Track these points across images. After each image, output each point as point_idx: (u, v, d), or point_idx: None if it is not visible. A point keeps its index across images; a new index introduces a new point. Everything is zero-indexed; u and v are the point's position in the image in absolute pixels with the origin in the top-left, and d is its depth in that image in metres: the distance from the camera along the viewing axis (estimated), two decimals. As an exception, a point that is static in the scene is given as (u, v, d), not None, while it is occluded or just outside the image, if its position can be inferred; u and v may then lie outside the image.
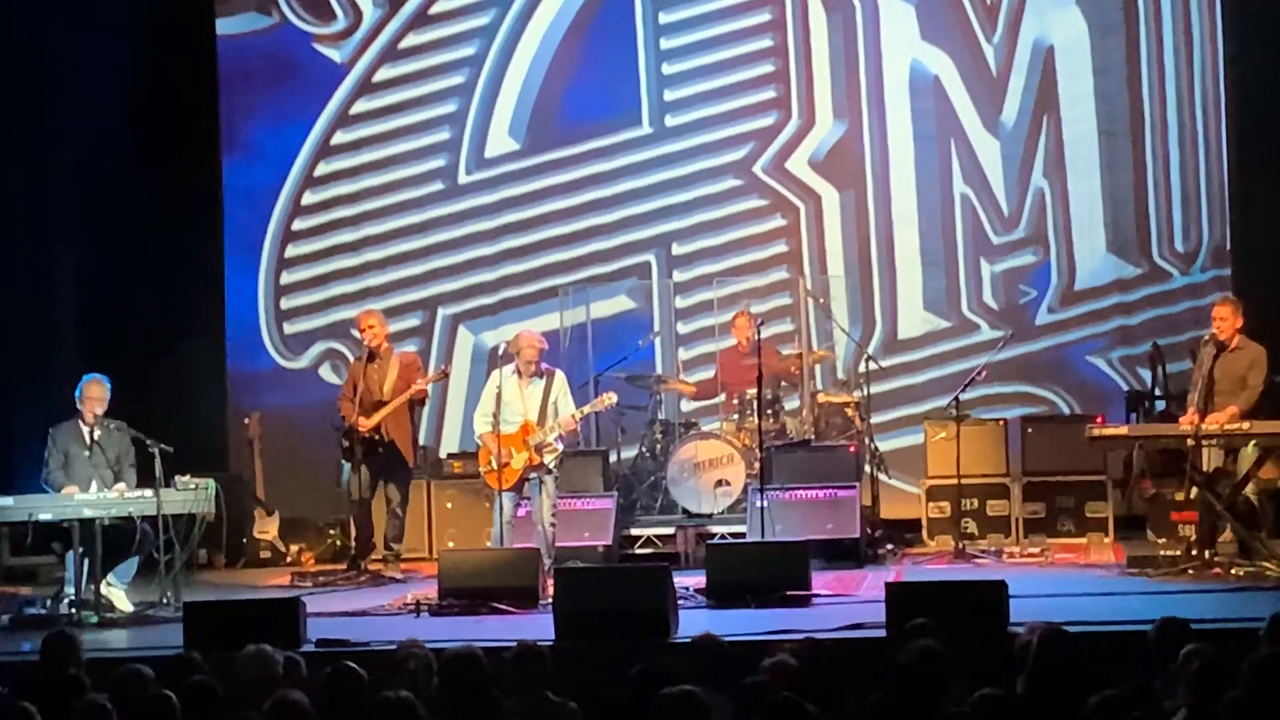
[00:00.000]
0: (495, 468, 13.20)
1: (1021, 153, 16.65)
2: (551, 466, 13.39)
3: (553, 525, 13.44)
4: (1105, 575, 13.16)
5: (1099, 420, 14.58)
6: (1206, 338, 13.33)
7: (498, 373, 13.48)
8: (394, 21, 17.45)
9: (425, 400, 15.15)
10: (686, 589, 12.03)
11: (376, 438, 14.58)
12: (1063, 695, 7.30)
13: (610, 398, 13.89)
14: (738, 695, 7.23)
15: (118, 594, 12.72)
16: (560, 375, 13.55)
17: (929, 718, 7.11)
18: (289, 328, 17.49)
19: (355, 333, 15.43)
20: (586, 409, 13.58)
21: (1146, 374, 16.10)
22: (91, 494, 12.66)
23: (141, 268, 16.75)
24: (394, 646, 8.51)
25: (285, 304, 17.51)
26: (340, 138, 17.49)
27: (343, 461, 14.90)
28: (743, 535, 14.18)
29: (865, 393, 15.55)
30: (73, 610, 12.38)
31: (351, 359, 16.41)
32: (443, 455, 16.47)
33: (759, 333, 14.38)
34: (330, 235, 17.51)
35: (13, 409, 15.96)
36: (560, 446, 13.45)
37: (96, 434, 13.15)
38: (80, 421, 13.17)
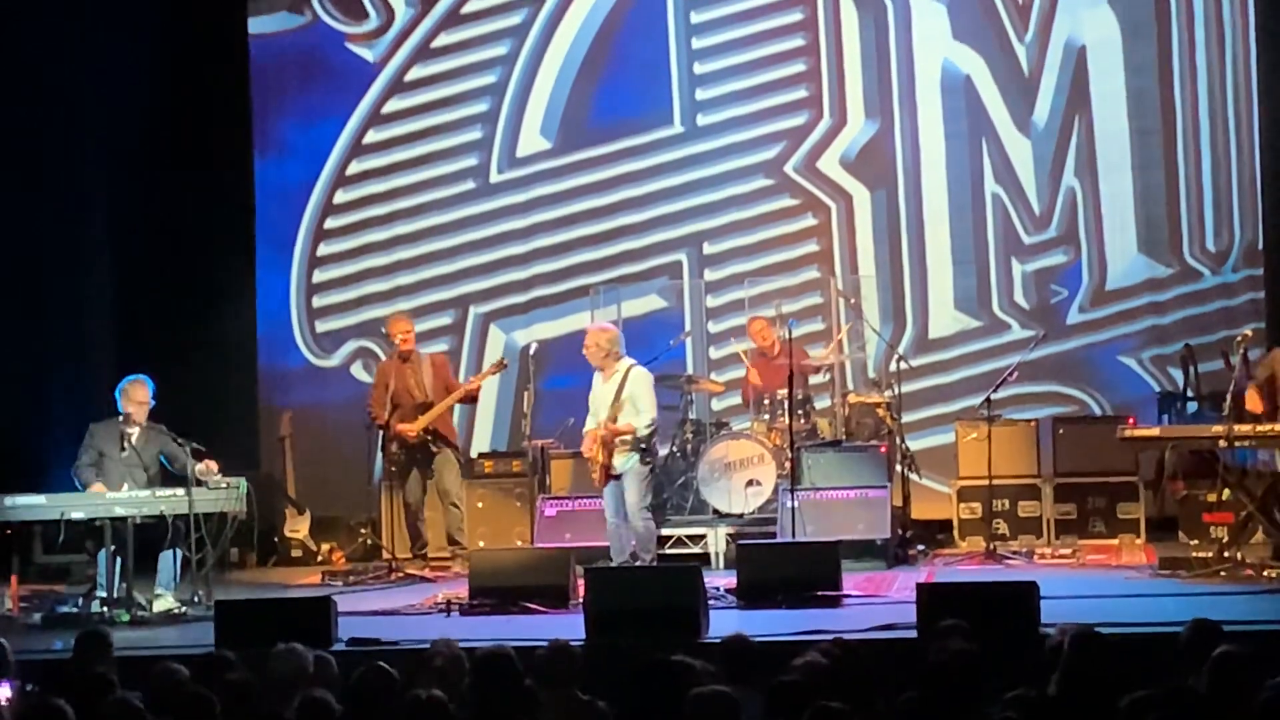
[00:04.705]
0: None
1: (1053, 152, 16.61)
2: (620, 465, 13.33)
3: (645, 519, 13.41)
4: (1137, 577, 13.10)
5: (1131, 421, 14.49)
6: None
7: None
8: (426, 21, 17.46)
9: (478, 398, 15.34)
10: (717, 589, 12.05)
11: (427, 439, 14.72)
12: (1094, 697, 7.29)
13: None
14: (768, 695, 7.23)
15: (167, 600, 12.71)
16: (636, 370, 13.52)
17: (960, 719, 7.10)
18: (320, 326, 17.51)
19: (386, 336, 15.39)
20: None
21: (1178, 374, 16.04)
22: (124, 493, 12.68)
23: (174, 265, 16.76)
24: (425, 645, 8.52)
25: (317, 302, 17.53)
26: (372, 136, 17.51)
27: (383, 460, 14.95)
28: (773, 535, 14.18)
29: (896, 392, 15.52)
30: (104, 609, 12.41)
31: (384, 357, 16.44)
32: (474, 455, 16.43)
33: (790, 332, 14.39)
34: (362, 234, 17.53)
35: (46, 406, 15.97)
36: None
37: (135, 437, 13.07)
38: (121, 421, 13.09)
